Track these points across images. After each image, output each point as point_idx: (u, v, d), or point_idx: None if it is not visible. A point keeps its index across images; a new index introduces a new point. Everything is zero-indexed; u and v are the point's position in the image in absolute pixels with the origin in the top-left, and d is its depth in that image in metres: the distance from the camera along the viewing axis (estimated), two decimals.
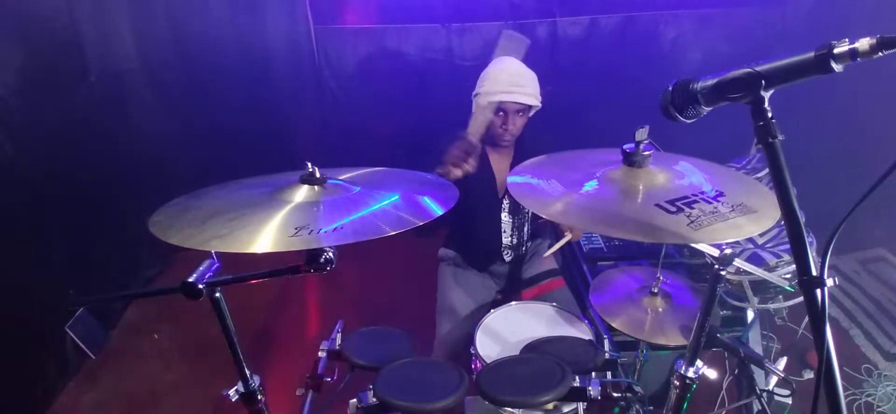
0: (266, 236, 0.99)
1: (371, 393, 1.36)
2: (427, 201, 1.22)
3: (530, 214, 2.20)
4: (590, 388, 1.36)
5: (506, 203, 2.14)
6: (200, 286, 1.01)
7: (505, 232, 2.18)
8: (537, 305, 1.85)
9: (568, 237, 2.06)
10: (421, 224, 1.09)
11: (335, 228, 1.01)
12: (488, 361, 1.51)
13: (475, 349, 1.63)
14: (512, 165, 2.06)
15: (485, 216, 2.09)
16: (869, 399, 2.34)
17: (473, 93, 2.02)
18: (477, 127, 1.92)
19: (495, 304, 2.06)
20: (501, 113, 1.95)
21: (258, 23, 3.10)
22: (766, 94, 0.75)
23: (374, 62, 3.22)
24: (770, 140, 0.73)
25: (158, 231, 1.04)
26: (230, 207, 1.12)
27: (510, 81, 1.93)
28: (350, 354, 1.55)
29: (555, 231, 2.39)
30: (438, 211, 1.18)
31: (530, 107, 1.97)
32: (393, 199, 1.19)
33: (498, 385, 1.36)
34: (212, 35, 3.06)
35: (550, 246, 2.25)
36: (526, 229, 2.20)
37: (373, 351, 1.57)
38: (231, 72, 3.15)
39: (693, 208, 1.03)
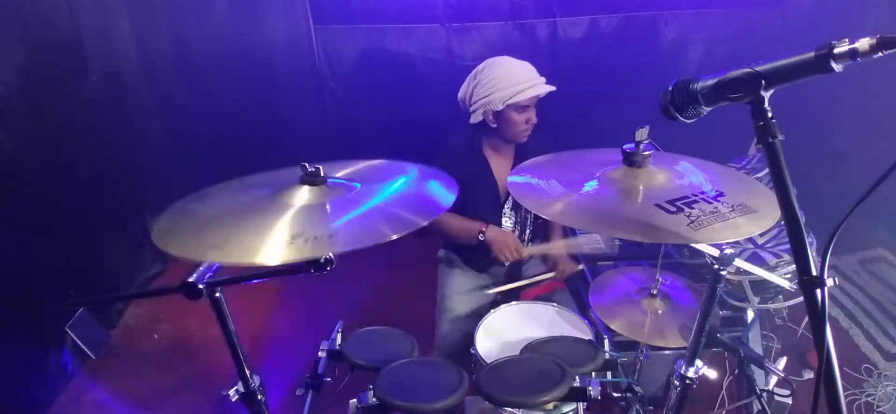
0: (265, 245, 0.96)
1: (371, 393, 1.36)
2: (434, 186, 1.21)
3: (532, 214, 2.20)
4: (590, 388, 1.37)
5: (508, 205, 2.15)
6: (200, 286, 1.00)
7: None
8: (537, 305, 1.85)
9: (551, 275, 2.08)
10: (426, 224, 1.08)
11: (332, 236, 0.99)
12: (488, 361, 1.51)
13: (475, 349, 1.63)
14: (513, 166, 2.06)
15: (486, 219, 2.09)
16: (869, 399, 2.34)
17: (480, 99, 1.95)
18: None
19: (495, 304, 2.06)
20: (523, 110, 1.94)
21: (258, 23, 3.09)
22: (766, 94, 0.75)
23: (374, 62, 3.22)
24: (770, 140, 0.73)
25: (159, 239, 1.02)
26: (230, 212, 1.10)
27: (527, 76, 1.93)
28: (350, 354, 1.55)
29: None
30: (449, 197, 1.17)
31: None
32: (400, 183, 1.17)
33: (498, 385, 1.36)
34: (212, 35, 3.06)
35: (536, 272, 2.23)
36: (527, 230, 2.21)
37: (373, 351, 1.57)
38: (231, 72, 3.15)
39: (693, 208, 1.03)
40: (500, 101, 1.91)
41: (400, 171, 1.29)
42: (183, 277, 1.01)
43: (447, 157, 2.09)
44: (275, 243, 0.98)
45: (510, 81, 1.90)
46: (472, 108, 2.01)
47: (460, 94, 2.06)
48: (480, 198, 2.10)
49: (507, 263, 2.12)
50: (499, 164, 2.12)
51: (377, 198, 1.14)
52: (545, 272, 2.13)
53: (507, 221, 2.17)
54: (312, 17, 3.13)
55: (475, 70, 2.00)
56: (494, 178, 2.11)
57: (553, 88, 1.94)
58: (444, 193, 1.20)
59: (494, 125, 2.00)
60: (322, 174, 1.14)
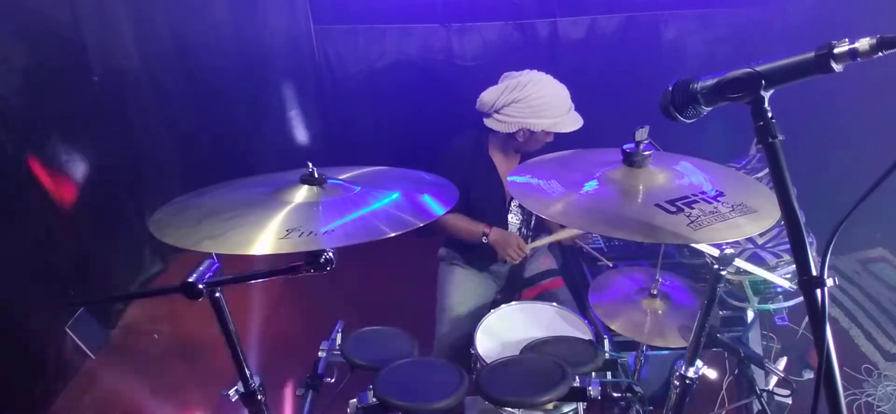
0: (259, 238, 0.99)
1: (371, 393, 1.36)
2: (427, 199, 1.22)
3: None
4: (590, 388, 1.37)
5: (513, 204, 2.16)
6: (200, 286, 1.00)
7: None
8: (537, 305, 1.85)
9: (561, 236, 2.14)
10: (421, 225, 1.09)
11: (326, 231, 1.01)
12: (488, 361, 1.51)
13: (475, 349, 1.63)
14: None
15: (492, 218, 2.10)
16: (869, 399, 2.34)
17: (519, 116, 1.93)
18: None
19: (495, 304, 2.06)
20: (552, 133, 1.98)
21: (258, 23, 3.09)
22: (766, 94, 0.75)
23: (374, 62, 3.22)
24: (770, 140, 0.73)
25: (156, 229, 1.05)
26: (228, 206, 1.12)
27: (568, 104, 1.96)
28: (350, 354, 1.56)
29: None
30: (439, 210, 1.18)
31: None
32: (393, 197, 1.19)
33: (498, 385, 1.36)
34: (213, 35, 3.05)
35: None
36: (532, 228, 2.21)
37: (373, 351, 1.57)
38: (232, 72, 3.15)
39: (693, 208, 1.03)
40: (540, 126, 1.92)
41: (396, 183, 1.30)
42: (183, 277, 1.01)
43: (454, 159, 2.11)
44: (269, 236, 1.00)
45: (555, 111, 1.93)
46: (501, 118, 1.97)
47: (488, 99, 1.97)
48: (486, 197, 2.11)
49: (513, 263, 2.12)
50: (504, 164, 2.13)
51: (373, 205, 1.15)
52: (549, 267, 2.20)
53: (513, 218, 2.18)
54: (312, 17, 3.12)
55: (514, 82, 1.93)
56: (500, 179, 2.12)
57: (582, 122, 1.97)
58: (435, 205, 1.21)
59: (522, 140, 2.00)
60: (317, 175, 1.16)
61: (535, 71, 1.97)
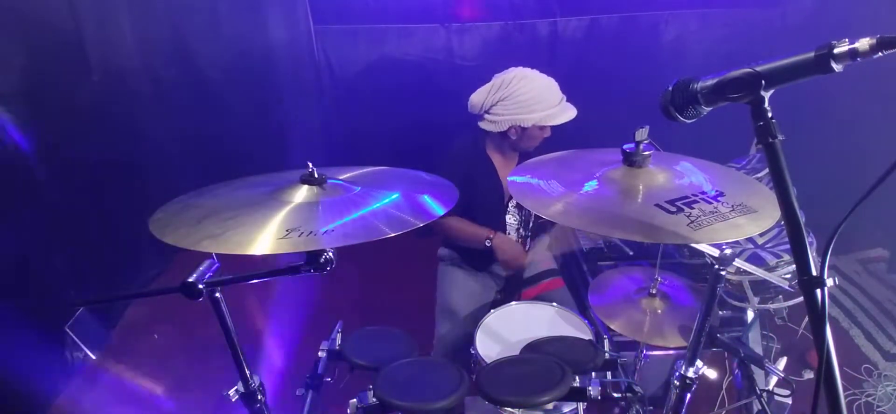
0: (259, 238, 0.99)
1: (371, 393, 1.36)
2: (427, 200, 1.22)
3: (534, 213, 2.21)
4: (590, 388, 1.37)
5: (511, 205, 2.16)
6: (200, 286, 1.01)
7: (508, 234, 2.19)
8: (537, 305, 1.85)
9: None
10: (421, 225, 1.09)
11: (326, 231, 1.00)
12: (488, 361, 1.51)
13: (475, 349, 1.63)
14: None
15: (490, 219, 2.10)
16: (869, 399, 2.34)
17: (508, 114, 1.93)
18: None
19: (495, 304, 2.06)
20: (546, 127, 1.96)
21: (258, 23, 3.09)
22: (766, 94, 0.75)
23: (374, 62, 3.22)
24: (770, 140, 0.73)
25: (157, 229, 1.05)
26: (228, 206, 1.12)
27: (557, 97, 1.95)
28: (350, 354, 1.56)
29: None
30: (439, 211, 1.18)
31: None
32: (393, 197, 1.19)
33: (498, 385, 1.36)
34: (212, 35, 3.05)
35: (550, 246, 2.30)
36: (530, 228, 2.21)
37: (373, 351, 1.57)
38: (231, 71, 3.15)
39: (693, 208, 1.03)
40: (530, 121, 1.91)
41: (396, 184, 1.30)
42: (183, 277, 1.01)
43: (453, 160, 2.11)
44: (269, 236, 0.99)
45: (544, 104, 1.91)
46: (491, 118, 1.97)
47: (477, 100, 1.99)
48: (485, 198, 2.11)
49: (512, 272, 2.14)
50: (502, 164, 2.13)
51: (373, 205, 1.15)
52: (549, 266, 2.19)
53: (512, 218, 2.18)
54: (312, 17, 3.13)
55: (499, 80, 1.94)
56: (499, 179, 2.12)
57: (576, 112, 1.96)
58: (435, 206, 1.21)
59: (515, 137, 1.99)
60: (317, 175, 1.16)
61: (521, 67, 1.96)
